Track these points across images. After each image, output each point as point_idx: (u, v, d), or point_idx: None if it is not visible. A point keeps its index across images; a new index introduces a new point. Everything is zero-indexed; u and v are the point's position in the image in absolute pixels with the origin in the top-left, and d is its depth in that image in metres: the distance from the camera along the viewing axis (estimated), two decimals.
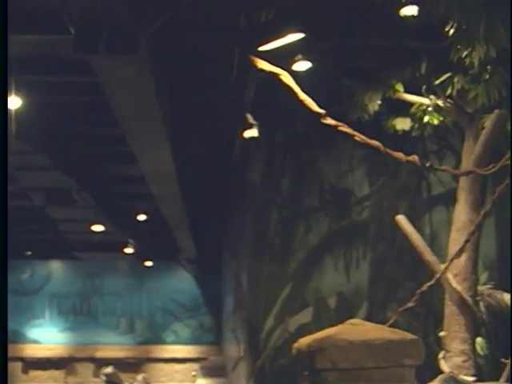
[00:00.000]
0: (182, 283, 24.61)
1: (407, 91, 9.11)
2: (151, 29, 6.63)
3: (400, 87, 9.02)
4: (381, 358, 4.46)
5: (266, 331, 12.24)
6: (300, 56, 8.28)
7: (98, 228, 17.63)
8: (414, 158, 7.29)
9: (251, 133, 9.47)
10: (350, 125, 7.72)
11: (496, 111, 8.27)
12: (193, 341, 24.73)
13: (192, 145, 11.17)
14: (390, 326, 7.29)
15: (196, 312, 24.80)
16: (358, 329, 4.58)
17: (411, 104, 9.20)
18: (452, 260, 8.52)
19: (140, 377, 21.12)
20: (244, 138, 9.89)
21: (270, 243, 12.25)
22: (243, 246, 13.54)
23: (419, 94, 9.07)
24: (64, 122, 10.89)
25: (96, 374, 22.58)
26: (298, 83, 7.74)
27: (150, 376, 23.14)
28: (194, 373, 22.11)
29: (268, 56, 7.72)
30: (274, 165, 12.17)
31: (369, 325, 4.71)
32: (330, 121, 6.95)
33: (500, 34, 5.92)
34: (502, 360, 8.38)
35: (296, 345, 4.92)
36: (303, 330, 10.87)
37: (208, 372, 20.35)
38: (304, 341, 4.74)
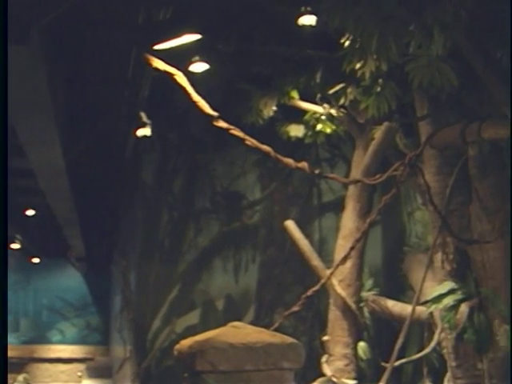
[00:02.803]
0: (70, 281, 24.15)
1: (302, 99, 9.26)
2: (45, 20, 6.47)
3: (295, 94, 9.16)
4: (261, 360, 4.49)
5: (152, 332, 12.15)
6: (197, 57, 8.29)
7: None
8: (304, 164, 7.42)
9: (144, 131, 9.39)
10: (244, 129, 7.77)
11: (385, 123, 8.52)
12: (79, 340, 24.30)
13: (84, 140, 10.95)
14: (276, 329, 7.39)
15: (84, 311, 24.38)
16: (240, 331, 4.59)
17: (305, 111, 9.35)
18: (337, 266, 8.71)
19: (21, 377, 20.57)
20: (137, 137, 9.79)
21: (159, 244, 12.18)
22: (133, 245, 13.40)
23: (314, 102, 9.23)
24: None
25: None
26: (194, 84, 7.73)
27: (35, 376, 22.57)
28: (79, 373, 21.73)
29: (166, 55, 7.68)
30: (167, 165, 12.11)
31: (250, 328, 4.73)
32: (222, 124, 6.97)
33: (391, 50, 6.10)
34: (383, 364, 8.62)
35: (178, 346, 4.89)
36: (190, 332, 10.85)
37: (94, 373, 20.04)
38: (185, 342, 4.71)
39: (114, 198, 16.39)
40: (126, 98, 9.78)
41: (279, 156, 7.20)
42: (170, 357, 11.35)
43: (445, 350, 8.68)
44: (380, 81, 7.48)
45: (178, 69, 7.68)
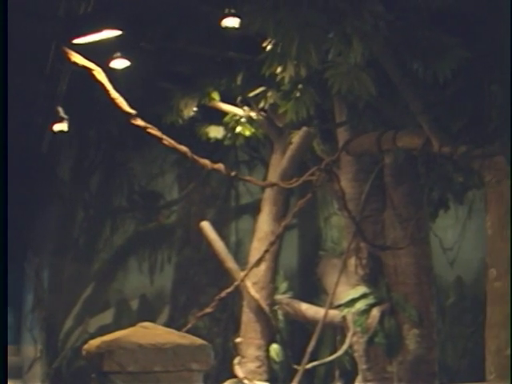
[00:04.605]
0: None
1: (223, 100, 9.26)
2: None
3: (216, 96, 9.16)
4: (169, 361, 4.46)
5: (64, 331, 11.95)
6: (119, 53, 8.19)
7: None
8: (220, 166, 7.42)
9: (61, 127, 9.21)
10: (164, 128, 7.71)
11: (304, 128, 8.61)
12: None
13: None
14: (189, 330, 7.36)
15: None
16: (149, 332, 4.55)
17: (226, 113, 9.35)
18: (251, 268, 8.76)
19: None
20: (54, 132, 9.60)
21: (74, 241, 11.99)
22: (46, 242, 13.14)
23: (234, 104, 9.25)
24: None
25: None
26: (115, 81, 7.62)
27: None
28: None
29: (88, 50, 7.55)
30: (84, 162, 11.92)
31: (160, 328, 4.70)
32: (139, 122, 6.90)
33: (311, 56, 6.17)
34: (295, 366, 8.71)
35: (86, 346, 4.82)
36: (103, 332, 10.69)
37: None
38: (93, 342, 4.65)
39: (28, 194, 16.01)
40: (43, 91, 9.58)
41: (196, 157, 7.18)
42: (81, 357, 11.16)
43: (356, 353, 8.83)
44: (299, 86, 7.56)
45: (99, 64, 7.56)
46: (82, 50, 7.54)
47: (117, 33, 7.36)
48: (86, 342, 4.85)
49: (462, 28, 6.77)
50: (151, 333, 4.56)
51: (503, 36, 6.63)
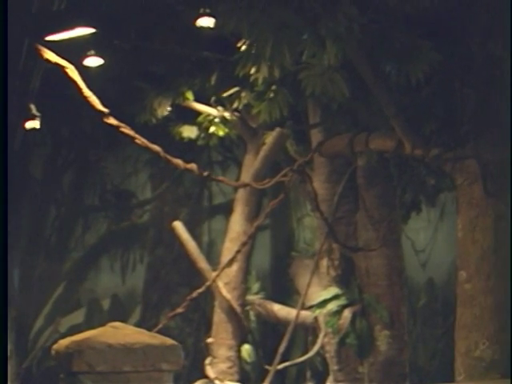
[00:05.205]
0: None
1: (197, 100, 9.24)
2: None
3: (190, 95, 9.13)
4: (139, 362, 4.46)
5: (35, 331, 11.87)
6: (93, 51, 8.14)
7: None
8: (193, 166, 7.40)
9: (33, 124, 9.11)
10: (137, 127, 7.67)
11: (277, 129, 8.62)
12: None
13: None
14: (161, 330, 7.34)
15: None
16: (119, 332, 4.54)
17: (199, 113, 9.33)
18: (223, 269, 8.76)
19: None
20: (26, 129, 9.50)
21: (45, 240, 11.90)
22: (17, 240, 13.02)
23: (208, 104, 9.23)
24: None
25: None
26: (88, 79, 7.58)
27: None
28: None
29: (62, 47, 7.49)
30: (57, 160, 11.83)
31: (130, 328, 4.69)
32: (112, 121, 6.85)
33: (285, 57, 6.18)
34: (267, 367, 8.72)
35: (55, 346, 4.81)
36: (74, 331, 10.65)
37: None
38: (63, 342, 4.63)
39: None
40: (16, 88, 9.47)
41: (168, 156, 7.15)
42: (51, 357, 11.09)
43: (328, 354, 8.86)
44: (273, 87, 7.57)
45: (72, 62, 7.52)
46: (56, 47, 7.48)
47: (91, 30, 7.32)
48: (56, 341, 4.83)
49: (435, 31, 6.83)
50: (121, 333, 4.55)
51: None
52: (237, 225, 9.07)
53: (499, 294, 6.81)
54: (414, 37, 6.48)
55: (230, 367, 9.14)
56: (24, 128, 9.57)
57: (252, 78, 6.75)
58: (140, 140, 6.97)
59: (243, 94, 8.44)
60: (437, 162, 7.18)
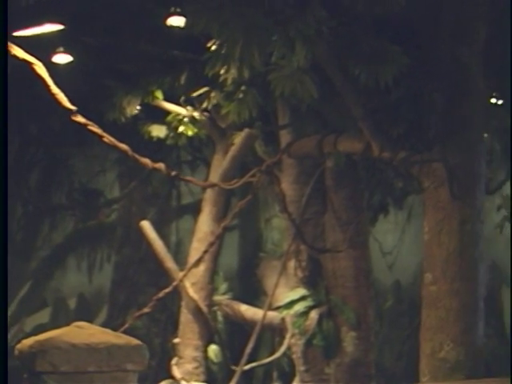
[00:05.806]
0: None
1: (166, 99, 9.21)
2: None
3: (159, 94, 9.10)
4: (104, 362, 4.42)
5: None
6: (62, 48, 8.08)
7: None
8: (161, 165, 7.37)
9: None
10: (106, 126, 7.62)
11: (246, 130, 8.63)
12: None
13: None
14: (128, 330, 7.31)
15: None
16: (83, 332, 4.50)
17: (169, 112, 9.30)
18: (190, 269, 8.74)
19: None
20: None
21: (11, 238, 11.76)
22: None
23: (177, 103, 9.21)
24: None
25: None
26: (57, 76, 7.50)
27: None
28: None
29: (30, 44, 7.40)
30: (24, 158, 11.71)
31: (95, 328, 4.65)
32: (80, 118, 6.79)
33: (255, 58, 6.19)
34: (233, 367, 8.72)
35: (19, 346, 4.77)
36: (39, 331, 10.57)
37: None
38: (26, 342, 4.59)
39: None
40: None
41: (136, 156, 7.11)
42: (15, 356, 10.98)
43: (294, 355, 8.88)
44: (242, 87, 7.58)
45: (40, 59, 7.44)
46: (23, 43, 7.40)
47: (60, 27, 7.27)
48: (20, 341, 4.79)
49: (404, 35, 6.90)
50: (86, 332, 4.51)
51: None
52: (204, 225, 9.05)
53: (464, 296, 6.89)
54: (383, 40, 6.52)
55: (197, 367, 9.13)
56: None
57: (221, 78, 6.75)
58: (108, 138, 6.92)
59: (213, 94, 8.43)
60: (404, 165, 7.23)
